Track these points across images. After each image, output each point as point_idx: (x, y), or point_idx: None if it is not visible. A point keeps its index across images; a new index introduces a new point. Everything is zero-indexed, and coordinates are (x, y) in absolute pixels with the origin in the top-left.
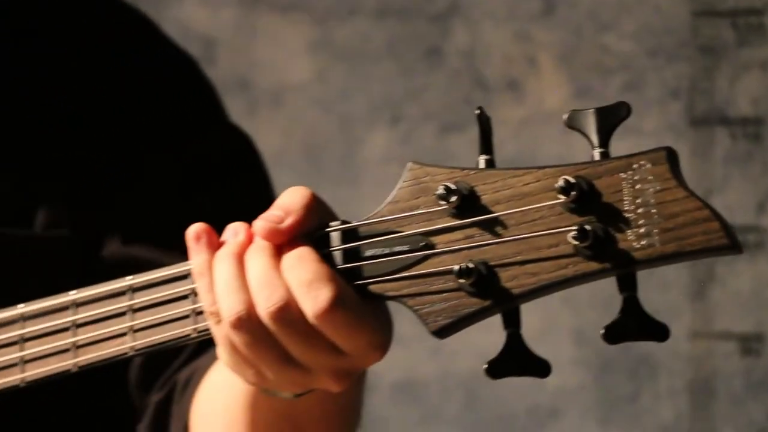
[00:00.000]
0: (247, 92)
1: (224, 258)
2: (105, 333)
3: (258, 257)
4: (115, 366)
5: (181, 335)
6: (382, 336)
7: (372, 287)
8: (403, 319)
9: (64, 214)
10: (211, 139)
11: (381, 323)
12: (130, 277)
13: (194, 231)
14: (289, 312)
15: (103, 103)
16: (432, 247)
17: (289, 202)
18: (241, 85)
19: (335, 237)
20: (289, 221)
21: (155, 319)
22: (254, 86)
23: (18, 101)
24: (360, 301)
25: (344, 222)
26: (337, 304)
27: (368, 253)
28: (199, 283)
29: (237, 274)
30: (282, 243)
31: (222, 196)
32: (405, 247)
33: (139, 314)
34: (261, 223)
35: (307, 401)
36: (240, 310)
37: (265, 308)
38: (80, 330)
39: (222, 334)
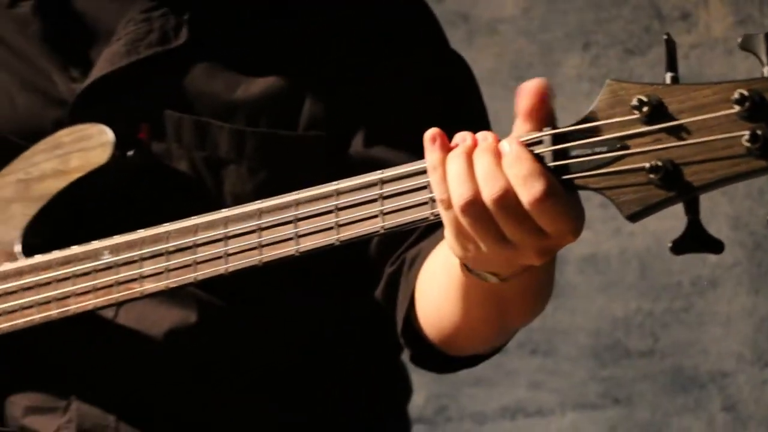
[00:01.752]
0: (467, 24)
1: (456, 156)
2: (360, 215)
3: (484, 156)
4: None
5: (420, 218)
6: (577, 223)
7: (577, 181)
8: (590, 205)
9: (322, 117)
10: (438, 61)
11: (578, 213)
12: (380, 171)
13: (431, 133)
14: (508, 199)
15: (355, 26)
16: (627, 148)
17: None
18: (462, 18)
19: (547, 140)
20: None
21: (400, 204)
22: (473, 19)
23: (291, 21)
24: (565, 194)
25: (554, 127)
26: (548, 195)
27: (574, 153)
28: (432, 176)
29: (467, 169)
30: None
31: (447, 108)
32: (604, 149)
33: (387, 201)
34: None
35: (509, 282)
36: (468, 196)
37: (489, 195)
38: (341, 212)
39: (451, 217)
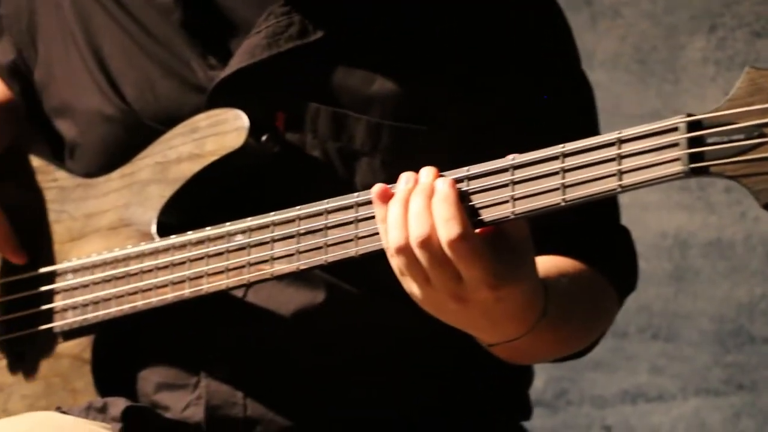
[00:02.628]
0: (590, 7)
1: (394, 202)
2: (540, 188)
3: (416, 198)
4: None
5: (606, 190)
6: (495, 278)
7: (713, 168)
8: (714, 190)
9: (454, 117)
10: (568, 78)
11: (499, 268)
12: (561, 145)
13: (377, 190)
14: (430, 243)
15: (492, 30)
16: (765, 136)
17: None
18: (585, 1)
19: (682, 127)
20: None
21: (582, 177)
22: (596, 2)
23: (427, 21)
24: (480, 242)
25: (689, 114)
26: (462, 238)
27: (710, 140)
28: (380, 229)
29: (402, 214)
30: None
31: (569, 126)
32: (741, 136)
33: (568, 174)
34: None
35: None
36: (399, 241)
37: (414, 238)
38: (517, 186)
39: (390, 259)
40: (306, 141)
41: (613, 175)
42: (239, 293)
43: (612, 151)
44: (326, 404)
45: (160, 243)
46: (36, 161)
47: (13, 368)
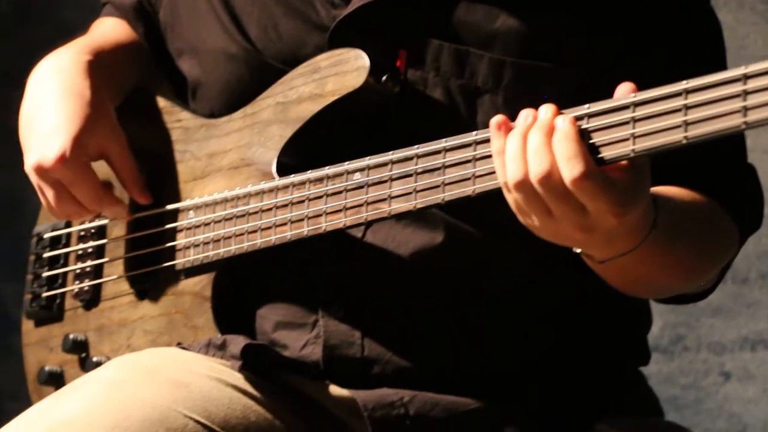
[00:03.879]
0: None
1: (513, 136)
2: (661, 126)
3: (535, 134)
4: None
5: (730, 127)
6: (620, 207)
7: None
8: None
9: (580, 56)
10: (694, 12)
11: (623, 197)
12: (684, 81)
13: (496, 121)
14: (551, 179)
15: None
16: None
17: None
18: None
19: None
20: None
21: (705, 115)
22: None
23: None
24: (603, 176)
25: None
26: (586, 176)
27: None
28: (496, 161)
29: (521, 148)
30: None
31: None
32: None
33: (690, 111)
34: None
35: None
36: (518, 176)
37: (534, 174)
38: (638, 124)
39: (509, 196)
40: (428, 79)
41: (738, 111)
42: (358, 233)
43: (737, 87)
44: (442, 346)
45: (280, 182)
46: (161, 102)
47: (137, 304)
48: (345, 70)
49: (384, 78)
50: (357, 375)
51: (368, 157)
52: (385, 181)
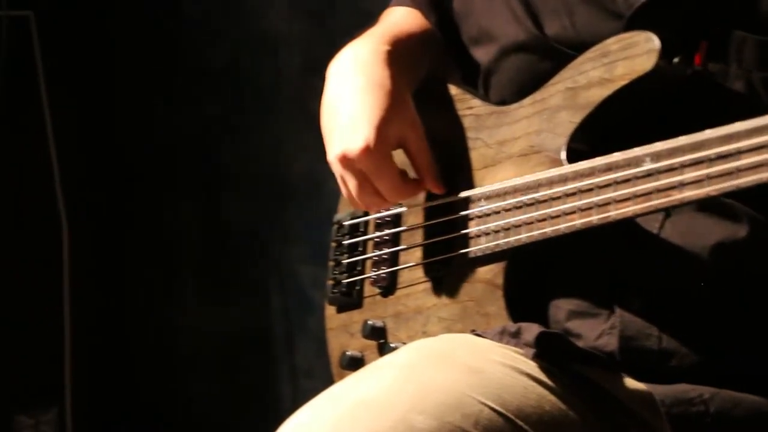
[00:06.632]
0: None
1: None
2: None
3: None
4: None
5: None
6: None
7: None
8: None
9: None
10: None
11: None
12: None
13: None
14: None
15: None
16: None
17: None
18: None
19: None
20: None
21: None
22: None
23: None
24: None
25: None
26: None
27: None
28: None
29: None
30: None
31: None
32: None
33: None
34: None
35: None
36: None
37: None
38: None
39: None
40: (729, 71)
41: None
42: (656, 223)
43: None
44: (738, 344)
45: (568, 169)
46: (453, 89)
47: (433, 292)
48: (635, 53)
49: (675, 60)
50: (653, 367)
51: (659, 143)
52: (676, 168)
